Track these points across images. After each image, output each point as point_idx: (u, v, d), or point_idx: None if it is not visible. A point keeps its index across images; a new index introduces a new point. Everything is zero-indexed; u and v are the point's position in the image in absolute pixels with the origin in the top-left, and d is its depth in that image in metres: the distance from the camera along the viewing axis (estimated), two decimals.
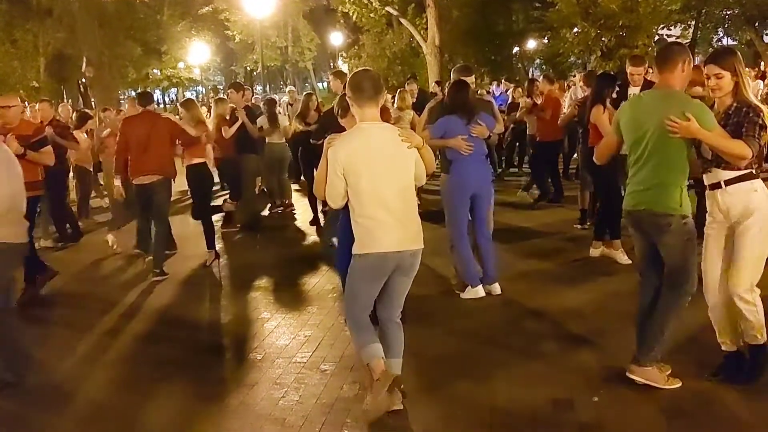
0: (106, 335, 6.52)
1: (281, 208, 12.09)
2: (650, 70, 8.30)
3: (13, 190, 5.18)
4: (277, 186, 12.20)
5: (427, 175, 4.70)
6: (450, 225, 7.02)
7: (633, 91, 8.00)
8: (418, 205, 4.85)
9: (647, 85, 7.77)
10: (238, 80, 58.36)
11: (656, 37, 28.35)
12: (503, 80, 23.18)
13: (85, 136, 11.95)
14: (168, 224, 8.82)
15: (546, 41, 33.26)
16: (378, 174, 4.38)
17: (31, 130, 7.57)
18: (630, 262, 7.68)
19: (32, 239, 7.43)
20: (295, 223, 11.45)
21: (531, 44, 36.67)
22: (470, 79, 7.19)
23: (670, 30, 31.35)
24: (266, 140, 11.45)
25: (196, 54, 41.23)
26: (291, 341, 6.08)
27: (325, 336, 6.12)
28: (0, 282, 5.32)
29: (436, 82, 17.03)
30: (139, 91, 9.65)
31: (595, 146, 7.71)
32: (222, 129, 10.52)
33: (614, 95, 8.06)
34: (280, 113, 12.18)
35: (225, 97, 12.39)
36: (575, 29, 27.27)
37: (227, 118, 10.65)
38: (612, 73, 9.10)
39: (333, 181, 4.42)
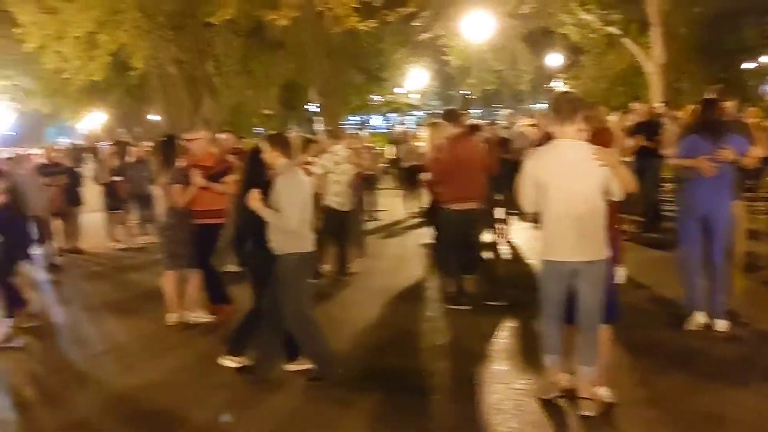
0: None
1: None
2: None
3: (302, 207, 5.79)
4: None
5: (627, 193, 4.94)
6: (679, 245, 6.80)
7: None
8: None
9: None
10: (454, 104, 59.12)
11: None
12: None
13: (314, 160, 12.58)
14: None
15: None
16: (564, 187, 4.85)
17: (213, 161, 8.02)
18: None
19: (213, 266, 7.95)
20: (522, 244, 11.35)
21: (764, 60, 34.18)
22: (728, 104, 6.86)
23: None
24: None
25: (415, 79, 42.28)
26: (509, 367, 6.04)
27: None
28: (297, 288, 5.87)
29: (664, 103, 16.26)
30: (448, 108, 9.59)
31: None
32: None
33: None
34: None
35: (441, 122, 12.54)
36: None
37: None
38: None
39: (524, 189, 5.06)
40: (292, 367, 6.20)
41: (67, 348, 7.47)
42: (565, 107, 4.91)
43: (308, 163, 9.81)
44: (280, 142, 5.99)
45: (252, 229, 5.97)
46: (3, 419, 5.68)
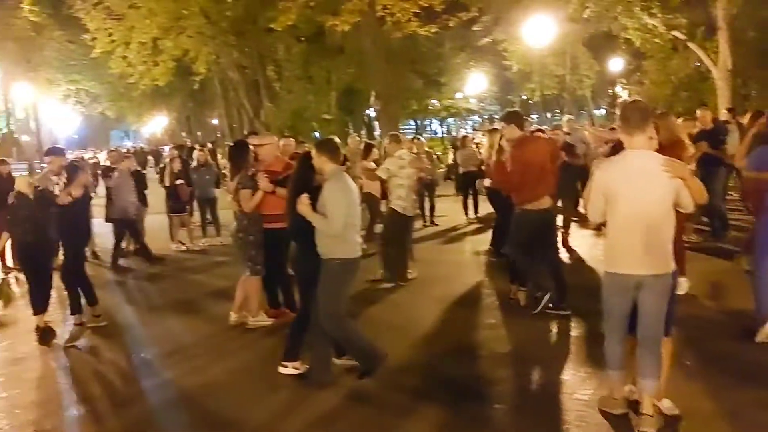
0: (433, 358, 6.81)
1: None
2: None
3: (348, 213, 5.86)
4: None
5: (696, 205, 4.88)
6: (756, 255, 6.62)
7: None
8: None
9: None
10: (514, 109, 58.42)
11: None
12: None
13: (374, 165, 12.63)
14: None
15: None
16: (632, 199, 4.71)
17: (281, 166, 8.00)
18: None
19: (282, 270, 8.04)
20: (583, 251, 11.20)
21: None
22: None
23: None
24: None
25: (474, 84, 42.16)
26: (572, 377, 5.94)
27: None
28: (336, 292, 5.99)
29: (728, 109, 15.86)
30: (511, 110, 9.46)
31: None
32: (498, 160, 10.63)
33: None
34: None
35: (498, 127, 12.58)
36: None
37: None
38: None
39: (594, 199, 4.93)
40: (339, 362, 6.33)
41: (131, 347, 7.60)
42: (634, 116, 4.79)
43: (371, 168, 9.82)
44: (327, 148, 6.08)
45: (301, 233, 6.09)
46: (67, 416, 5.80)
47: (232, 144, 8.55)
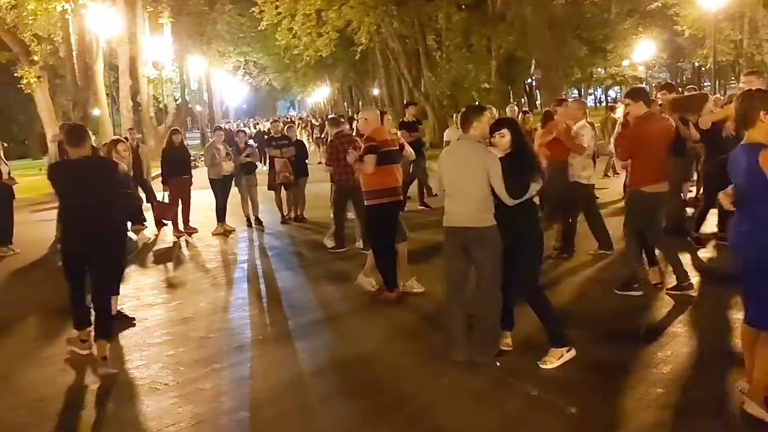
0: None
1: None
2: None
3: (442, 179, 6.02)
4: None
5: None
6: None
7: None
8: None
9: None
10: (684, 77, 55.61)
11: None
12: None
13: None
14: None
15: None
16: None
17: (379, 139, 7.80)
18: None
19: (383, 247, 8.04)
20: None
21: None
22: None
23: None
24: None
25: (642, 51, 40.38)
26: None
27: None
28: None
29: None
30: (637, 87, 9.05)
31: None
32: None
33: None
34: None
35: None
36: None
37: None
38: None
39: None
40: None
41: (288, 312, 7.82)
42: None
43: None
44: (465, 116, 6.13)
45: None
46: (225, 376, 6.06)
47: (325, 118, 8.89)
